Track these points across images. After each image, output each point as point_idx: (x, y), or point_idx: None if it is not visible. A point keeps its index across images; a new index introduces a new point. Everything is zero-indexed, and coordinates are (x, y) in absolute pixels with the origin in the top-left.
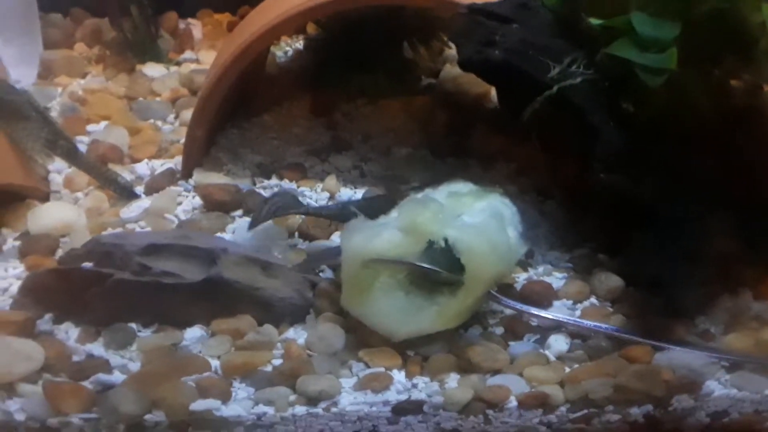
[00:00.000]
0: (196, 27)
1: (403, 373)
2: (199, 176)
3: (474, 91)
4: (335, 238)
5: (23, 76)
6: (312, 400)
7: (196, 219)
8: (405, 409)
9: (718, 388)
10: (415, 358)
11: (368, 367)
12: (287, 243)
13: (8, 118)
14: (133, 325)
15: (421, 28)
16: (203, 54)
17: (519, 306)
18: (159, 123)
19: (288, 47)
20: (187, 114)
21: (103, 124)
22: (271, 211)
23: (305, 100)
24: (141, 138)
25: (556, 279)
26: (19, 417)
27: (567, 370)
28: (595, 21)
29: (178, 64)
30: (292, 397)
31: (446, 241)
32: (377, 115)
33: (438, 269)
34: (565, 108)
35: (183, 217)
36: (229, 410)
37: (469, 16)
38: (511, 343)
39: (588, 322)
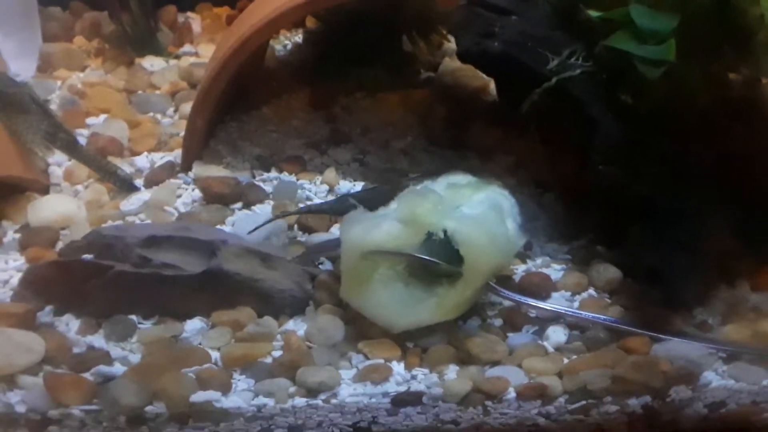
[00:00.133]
0: (195, 20)
1: (402, 364)
2: (199, 169)
3: (473, 85)
4: (334, 230)
5: (23, 69)
6: (312, 392)
7: (195, 211)
8: (404, 400)
9: (716, 379)
10: (415, 349)
11: (367, 358)
12: (287, 235)
13: (8, 110)
14: (134, 317)
15: (421, 22)
16: (202, 47)
17: (518, 297)
18: (158, 116)
19: (287, 41)
20: (187, 107)
21: (103, 117)
22: None
23: (304, 93)
24: (140, 131)
25: (555, 270)
26: (20, 409)
27: (565, 361)
28: (593, 13)
29: (178, 57)
30: (292, 389)
31: (445, 232)
32: (376, 108)
33: (437, 261)
34: (563, 100)
35: (183, 209)
36: (229, 402)
37: (468, 8)
38: (510, 335)
39: (586, 314)
